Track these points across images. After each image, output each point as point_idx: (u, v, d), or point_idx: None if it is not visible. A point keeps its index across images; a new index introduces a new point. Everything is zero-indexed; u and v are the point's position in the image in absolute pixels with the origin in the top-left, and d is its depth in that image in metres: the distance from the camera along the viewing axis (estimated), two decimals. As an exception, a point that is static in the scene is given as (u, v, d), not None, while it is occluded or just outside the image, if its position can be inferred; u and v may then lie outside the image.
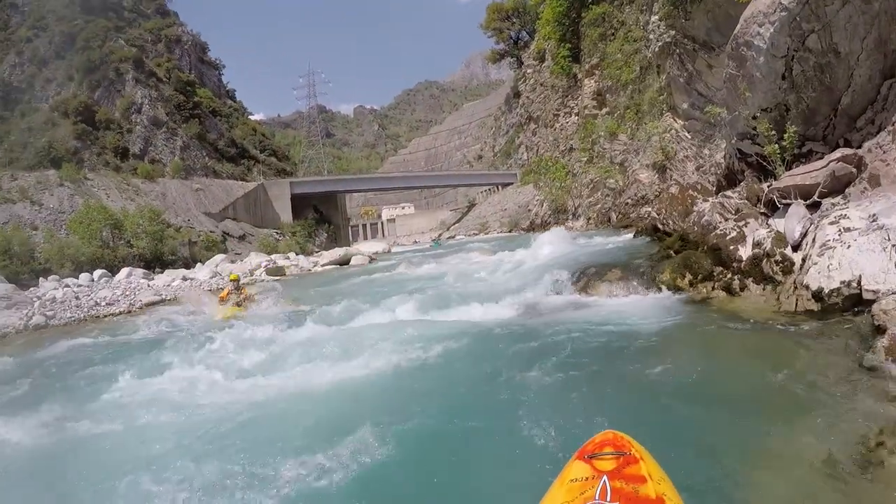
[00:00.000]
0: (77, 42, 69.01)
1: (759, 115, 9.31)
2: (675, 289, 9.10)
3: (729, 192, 10.16)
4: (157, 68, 73.21)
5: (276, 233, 61.34)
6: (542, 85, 47.93)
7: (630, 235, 19.14)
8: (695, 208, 10.99)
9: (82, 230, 38.10)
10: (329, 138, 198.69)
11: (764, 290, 7.66)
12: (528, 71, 52.77)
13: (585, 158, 34.40)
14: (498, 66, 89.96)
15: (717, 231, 9.17)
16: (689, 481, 3.27)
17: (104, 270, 32.20)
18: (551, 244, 17.01)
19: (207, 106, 79.39)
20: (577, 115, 39.96)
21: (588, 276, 10.94)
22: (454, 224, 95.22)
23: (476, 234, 68.59)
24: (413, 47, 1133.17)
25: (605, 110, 32.97)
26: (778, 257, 7.47)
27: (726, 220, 9.28)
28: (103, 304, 20.40)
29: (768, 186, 8.70)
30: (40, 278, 29.71)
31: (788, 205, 7.91)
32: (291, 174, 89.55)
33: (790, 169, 8.64)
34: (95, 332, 14.21)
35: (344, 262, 35.58)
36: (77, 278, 29.84)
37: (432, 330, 8.45)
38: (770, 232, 7.93)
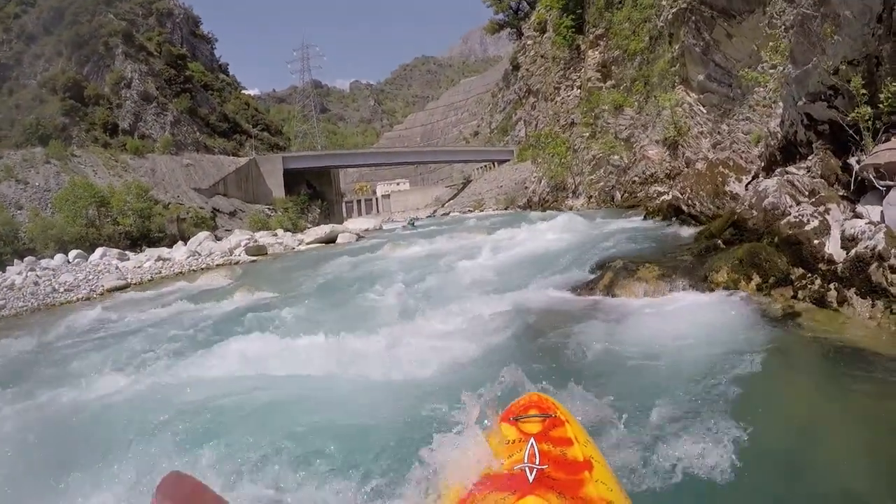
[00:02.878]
0: (65, 17, 67.60)
1: (842, 68, 6.97)
2: (738, 292, 6.80)
3: (793, 169, 7.93)
4: (147, 42, 71.32)
5: (268, 208, 60.09)
6: (542, 57, 46.92)
7: (639, 217, 17.94)
8: (727, 187, 9.55)
9: (67, 208, 37.07)
10: (324, 113, 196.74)
11: (874, 306, 5.52)
12: (529, 42, 51.77)
13: (588, 133, 33.34)
14: (496, 43, 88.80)
15: (791, 218, 7.00)
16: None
17: (79, 251, 31.05)
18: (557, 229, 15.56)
19: (199, 80, 77.86)
20: (579, 87, 38.91)
21: (614, 270, 8.43)
22: (449, 200, 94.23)
23: (471, 212, 67.53)
24: (410, 22, 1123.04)
25: (610, 83, 31.88)
26: (895, 262, 5.42)
27: (798, 203, 7.22)
28: (62, 290, 19.23)
29: (857, 162, 6.70)
30: (16, 260, 28.48)
31: (889, 187, 6.06)
32: (285, 149, 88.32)
33: (881, 141, 6.62)
34: (25, 327, 13.21)
35: (330, 240, 34.04)
36: (55, 259, 28.78)
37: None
38: (871, 225, 5.91)
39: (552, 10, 41.29)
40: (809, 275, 6.45)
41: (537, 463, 2.08)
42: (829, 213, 6.65)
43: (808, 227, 6.66)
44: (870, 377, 4.44)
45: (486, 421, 2.88)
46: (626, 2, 28.42)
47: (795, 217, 6.95)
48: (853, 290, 5.80)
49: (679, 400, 4.41)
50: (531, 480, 1.99)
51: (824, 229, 6.51)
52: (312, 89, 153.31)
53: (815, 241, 6.49)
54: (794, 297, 6.41)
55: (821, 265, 6.33)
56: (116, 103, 63.35)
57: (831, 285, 6.05)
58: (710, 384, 4.56)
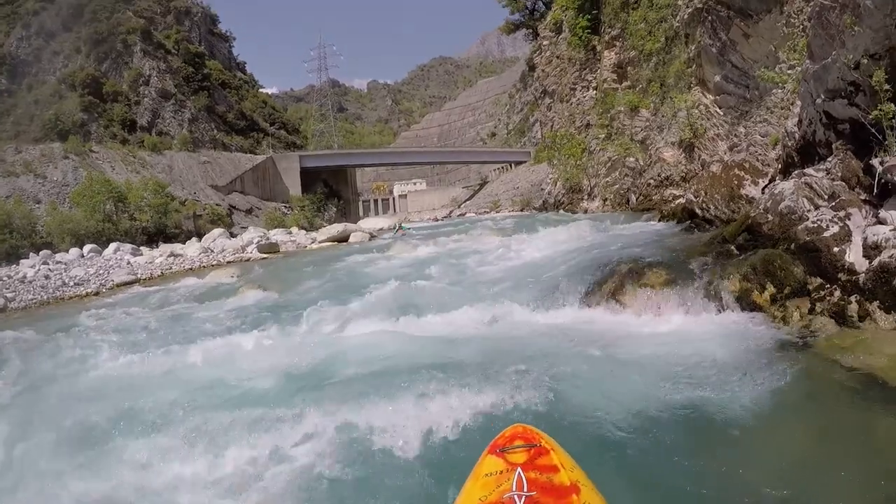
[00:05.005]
0: (84, 14, 68.60)
1: (863, 62, 6.42)
2: (749, 305, 6.35)
3: (811, 171, 7.41)
4: (165, 40, 72.07)
5: (285, 206, 60.19)
6: (558, 57, 46.58)
7: (654, 220, 17.72)
8: (742, 191, 9.22)
9: (85, 203, 37.41)
10: (342, 112, 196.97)
11: None
12: (544, 43, 51.38)
13: (603, 135, 33.12)
14: (514, 43, 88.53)
15: (809, 223, 6.54)
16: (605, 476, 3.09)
17: (94, 245, 31.32)
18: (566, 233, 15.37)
19: (217, 78, 78.35)
20: (595, 89, 38.67)
21: (620, 275, 7.96)
22: (466, 201, 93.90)
23: (487, 213, 67.25)
24: (428, 22, 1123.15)
25: (625, 84, 31.64)
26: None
27: (817, 207, 6.76)
28: (71, 284, 19.25)
29: (881, 163, 6.17)
30: (31, 254, 28.84)
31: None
32: (302, 147, 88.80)
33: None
34: (30, 320, 13.30)
35: (342, 238, 33.98)
36: (70, 253, 29.04)
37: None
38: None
39: (568, 10, 41.08)
40: (828, 285, 6.03)
41: (525, 490, 2.14)
42: (849, 219, 6.25)
43: (827, 234, 6.23)
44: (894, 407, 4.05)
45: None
46: (642, 2, 28.13)
47: (814, 222, 6.50)
48: (876, 303, 5.40)
49: (675, 424, 4.26)
50: None
51: (845, 236, 6.09)
52: (330, 88, 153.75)
53: (835, 249, 6.06)
54: (811, 310, 5.96)
55: (841, 275, 5.92)
56: (135, 100, 64.03)
57: (852, 298, 5.66)
58: (711, 407, 4.36)
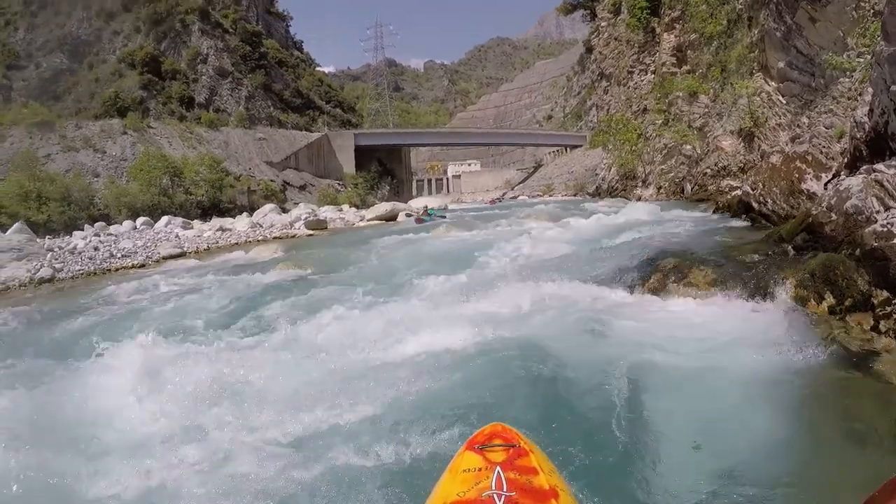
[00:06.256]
0: (144, -5, 69.50)
1: None
2: (804, 316, 5.59)
3: (882, 167, 6.59)
4: (223, 20, 73.22)
5: (338, 183, 60.83)
6: (616, 39, 45.47)
7: (708, 212, 17.09)
8: (803, 185, 8.46)
9: (141, 177, 38.39)
10: (398, 92, 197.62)
11: None
12: (602, 24, 50.35)
13: (660, 120, 32.14)
14: (573, 25, 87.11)
15: (878, 226, 5.66)
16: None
17: (147, 218, 32.32)
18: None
19: (274, 57, 79.26)
20: (653, 72, 37.57)
21: (663, 272, 7.42)
22: (519, 184, 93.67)
23: (539, 196, 66.81)
24: (486, 2, 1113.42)
25: (685, 68, 30.62)
26: None
27: (888, 208, 5.92)
28: (119, 255, 19.64)
29: None
30: (86, 226, 29.66)
31: None
32: (357, 126, 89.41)
33: None
34: (74, 291, 13.86)
35: (391, 217, 34.25)
36: (123, 225, 29.83)
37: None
38: None
39: (628, -10, 40.06)
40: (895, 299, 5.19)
41: (505, 490, 2.10)
42: None
43: None
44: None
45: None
46: (705, -18, 27.16)
47: (883, 225, 5.63)
48: None
49: (692, 433, 3.95)
50: None
51: None
52: (386, 68, 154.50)
53: None
54: (875, 328, 5.15)
55: None
56: (193, 78, 65.25)
57: None
58: (741, 431, 3.93)
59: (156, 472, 3.73)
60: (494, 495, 2.07)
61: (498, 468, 2.26)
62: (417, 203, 43.74)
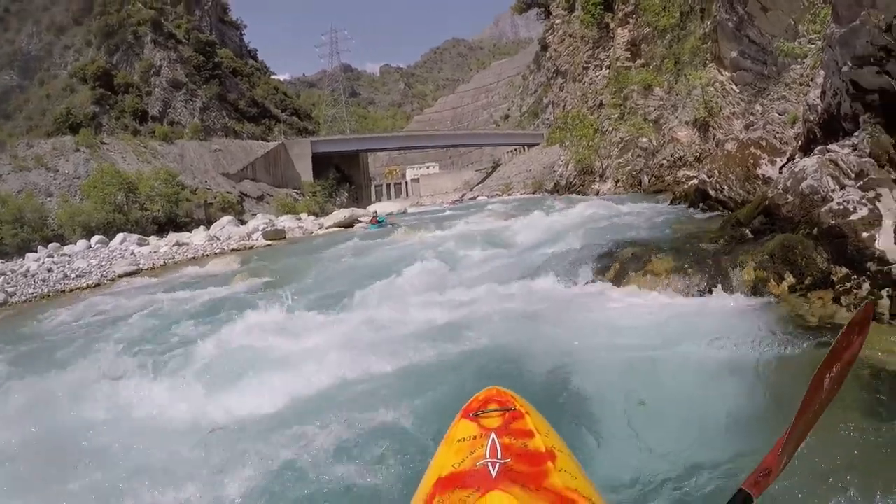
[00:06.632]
0: (94, 7, 68.58)
1: None
2: (764, 296, 5.69)
3: (836, 147, 6.64)
4: (176, 30, 71.91)
5: (296, 192, 60.20)
6: (570, 36, 45.99)
7: (666, 202, 17.31)
8: (759, 170, 8.56)
9: (95, 195, 37.69)
10: (354, 97, 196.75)
11: None
12: (557, 21, 50.81)
13: (616, 115, 32.55)
14: (527, 24, 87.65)
15: (834, 205, 5.79)
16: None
17: (101, 237, 31.36)
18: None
19: (228, 66, 78.15)
20: (608, 67, 38.10)
21: (621, 260, 7.45)
22: (478, 184, 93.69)
23: (499, 195, 67.22)
24: (441, 5, 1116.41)
25: (639, 62, 31.07)
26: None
27: (843, 187, 6.00)
28: (73, 276, 19.08)
29: None
30: (40, 247, 28.86)
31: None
32: (314, 133, 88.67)
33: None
34: (27, 314, 13.48)
35: (349, 224, 33.71)
36: (77, 244, 29.08)
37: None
38: None
39: (581, -13, 40.43)
40: (855, 276, 5.30)
41: (499, 457, 2.03)
42: (880, 200, 5.49)
43: (854, 217, 5.48)
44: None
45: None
46: (657, -24, 27.54)
47: (839, 204, 5.73)
48: None
49: (659, 401, 4.08)
50: (494, 475, 1.93)
51: (874, 220, 5.34)
52: (342, 73, 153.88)
53: (864, 235, 5.31)
54: (836, 303, 5.26)
55: (870, 265, 5.17)
56: (146, 91, 64.11)
57: (883, 292, 4.92)
58: (702, 410, 3.97)
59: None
60: (489, 463, 2.00)
61: (493, 434, 2.20)
62: (378, 208, 43.52)
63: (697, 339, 4.93)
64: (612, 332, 5.44)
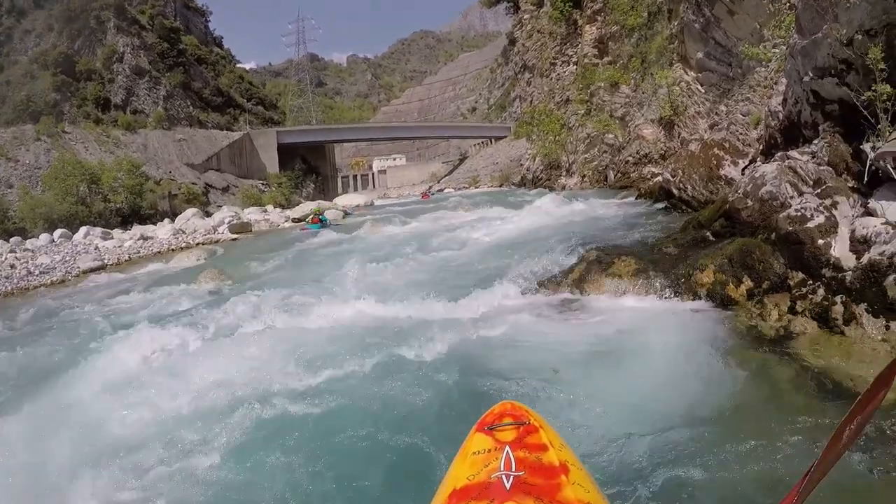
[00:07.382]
0: (57, -11, 66.65)
1: (857, 38, 5.70)
2: (724, 300, 5.91)
3: (796, 153, 6.87)
4: (140, 15, 70.70)
5: (262, 184, 59.60)
6: (539, 32, 46.13)
7: (630, 198, 17.65)
8: (721, 171, 8.83)
9: (57, 186, 36.75)
10: (320, 87, 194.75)
11: (888, 328, 4.51)
12: (525, 17, 50.93)
13: (583, 111, 32.83)
14: (496, 17, 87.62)
15: (791, 211, 5.96)
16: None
17: (64, 230, 30.78)
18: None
19: (193, 54, 77.16)
20: (575, 63, 38.34)
21: (586, 262, 7.57)
22: (445, 177, 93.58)
23: (466, 188, 67.27)
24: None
25: (606, 59, 31.35)
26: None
27: (801, 194, 6.20)
28: (37, 272, 18.77)
29: (872, 149, 5.58)
30: (1, 241, 28.11)
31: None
32: (280, 123, 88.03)
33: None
34: None
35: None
36: (40, 238, 28.60)
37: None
38: (888, 226, 4.93)
39: (549, -17, 40.60)
40: (811, 282, 5.46)
41: (513, 470, 2.09)
42: (836, 208, 5.66)
43: (811, 224, 5.63)
44: (881, 429, 3.47)
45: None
46: (625, -24, 27.83)
47: (797, 210, 5.88)
48: (864, 306, 4.77)
49: (614, 413, 4.16)
50: (508, 488, 2.00)
51: (831, 227, 5.50)
52: (308, 63, 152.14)
53: (820, 242, 5.46)
54: (792, 309, 5.41)
55: (825, 271, 5.32)
56: (108, 78, 62.90)
57: (837, 298, 5.05)
58: (658, 417, 4.09)
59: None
60: (503, 476, 2.07)
61: (507, 448, 2.26)
62: (343, 201, 43.47)
63: (651, 347, 5.19)
64: (567, 339, 5.66)
